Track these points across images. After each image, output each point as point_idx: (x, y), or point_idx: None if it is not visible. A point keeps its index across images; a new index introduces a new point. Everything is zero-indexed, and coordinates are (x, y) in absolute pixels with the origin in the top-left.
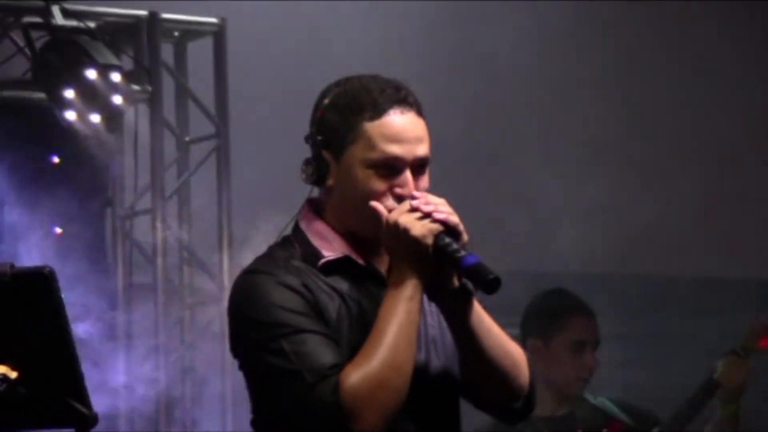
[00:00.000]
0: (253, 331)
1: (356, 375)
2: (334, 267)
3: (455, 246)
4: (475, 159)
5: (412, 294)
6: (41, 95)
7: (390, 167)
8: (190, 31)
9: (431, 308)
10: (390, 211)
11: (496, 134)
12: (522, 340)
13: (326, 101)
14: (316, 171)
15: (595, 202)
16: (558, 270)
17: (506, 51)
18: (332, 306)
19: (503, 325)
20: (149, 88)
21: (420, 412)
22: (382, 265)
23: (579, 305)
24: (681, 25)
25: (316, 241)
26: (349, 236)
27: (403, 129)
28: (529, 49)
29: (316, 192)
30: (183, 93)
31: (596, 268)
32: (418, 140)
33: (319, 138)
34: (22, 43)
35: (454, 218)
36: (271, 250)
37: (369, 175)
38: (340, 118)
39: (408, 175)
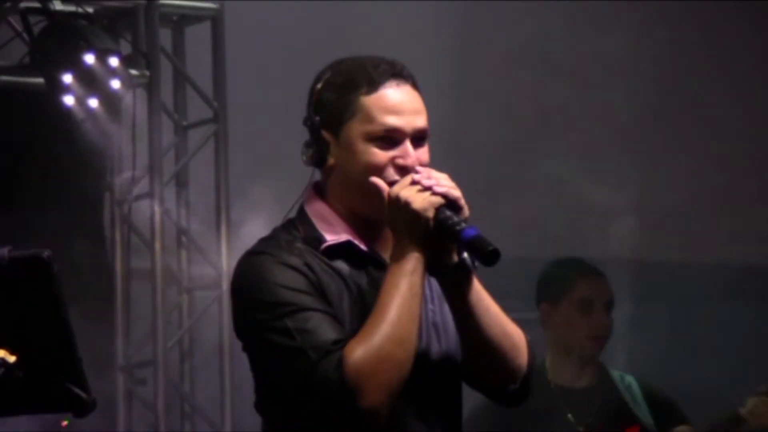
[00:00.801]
0: (256, 310)
1: (359, 350)
2: (336, 251)
3: (456, 219)
4: (499, 146)
5: (413, 268)
6: (39, 80)
7: (390, 139)
8: (188, 16)
9: (433, 293)
10: (392, 184)
11: (523, 121)
12: (537, 308)
13: (321, 83)
14: (317, 152)
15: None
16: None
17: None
18: (334, 287)
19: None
20: (147, 73)
21: (421, 397)
22: (384, 250)
23: (586, 266)
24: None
25: (319, 225)
26: (351, 219)
27: (400, 101)
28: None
29: (318, 175)
30: (181, 78)
31: (625, 254)
32: (415, 112)
33: (317, 118)
34: (20, 28)
35: (456, 192)
36: (275, 232)
37: (369, 149)
38: (337, 96)
39: (408, 145)
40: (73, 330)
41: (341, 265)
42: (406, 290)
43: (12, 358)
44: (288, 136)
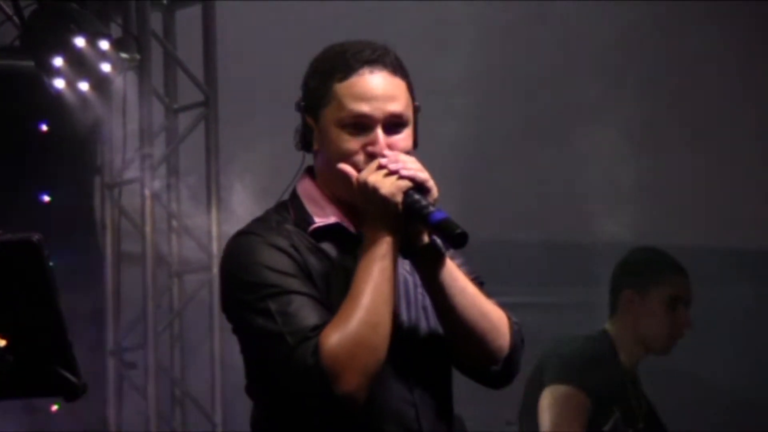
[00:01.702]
0: (240, 291)
1: (334, 336)
2: (324, 233)
3: (423, 202)
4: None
5: (385, 252)
6: (29, 63)
7: (360, 126)
8: None
9: (409, 270)
10: (361, 170)
11: (545, 107)
12: (616, 292)
13: (310, 68)
14: (303, 136)
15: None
16: (589, 241)
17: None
18: (320, 269)
19: (535, 293)
20: (138, 56)
21: (412, 379)
22: None
23: (676, 263)
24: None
25: (309, 207)
26: (341, 203)
27: (371, 87)
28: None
29: (310, 160)
30: (171, 61)
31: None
32: (389, 98)
33: (303, 104)
34: (10, 12)
35: (423, 174)
36: (267, 213)
37: (340, 135)
38: (317, 83)
39: (379, 132)
40: (64, 314)
41: (329, 247)
42: (377, 275)
43: (2, 342)
44: (279, 120)
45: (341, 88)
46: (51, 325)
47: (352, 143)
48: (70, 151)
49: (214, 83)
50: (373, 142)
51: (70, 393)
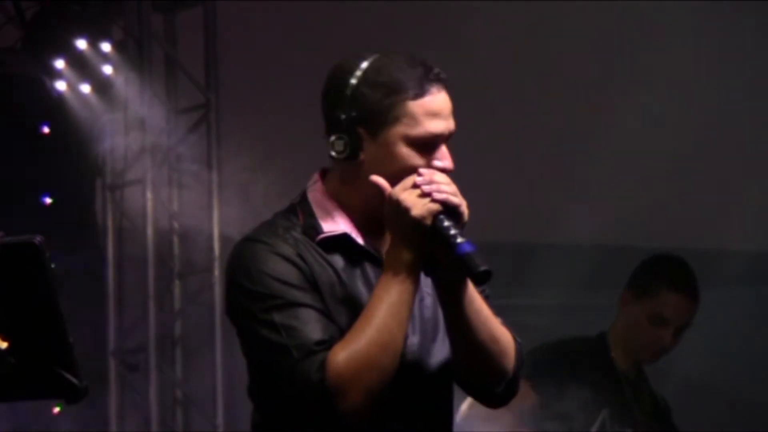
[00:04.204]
0: (246, 299)
1: (343, 354)
2: (332, 243)
3: (452, 231)
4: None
5: (407, 274)
6: (31, 65)
7: (431, 144)
8: (180, 1)
9: (430, 290)
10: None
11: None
12: (620, 297)
13: (356, 77)
14: (350, 146)
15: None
16: (566, 242)
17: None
18: (326, 280)
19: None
20: (139, 58)
21: (412, 392)
22: (383, 247)
23: (685, 283)
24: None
25: (319, 214)
26: (357, 213)
27: (443, 106)
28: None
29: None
30: (173, 63)
31: (608, 240)
32: (450, 116)
33: (354, 114)
34: (12, 13)
35: (456, 199)
36: (275, 217)
37: (410, 152)
38: (380, 96)
39: (444, 148)
40: (65, 316)
41: (336, 258)
42: (396, 296)
43: (3, 344)
44: (279, 122)
45: (415, 106)
46: (52, 327)
47: (420, 160)
48: (71, 153)
49: (215, 85)
50: (441, 158)
51: (72, 395)
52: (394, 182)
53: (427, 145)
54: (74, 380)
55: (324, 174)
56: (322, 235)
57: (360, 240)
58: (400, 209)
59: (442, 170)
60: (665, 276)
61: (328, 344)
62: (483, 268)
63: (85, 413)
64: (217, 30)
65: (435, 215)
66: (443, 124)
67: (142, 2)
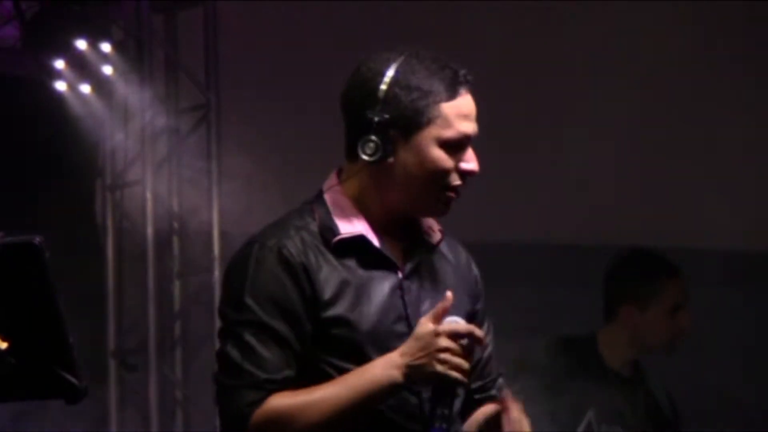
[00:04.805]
0: (229, 302)
1: (277, 407)
2: (346, 245)
3: (437, 412)
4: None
5: (381, 387)
6: (31, 65)
7: (461, 145)
8: (180, 1)
9: (430, 294)
10: (453, 188)
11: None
12: (612, 306)
13: (387, 78)
14: (382, 148)
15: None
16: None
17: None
18: (335, 280)
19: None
20: (139, 58)
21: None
22: (394, 249)
23: (667, 266)
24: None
25: (335, 214)
26: (374, 216)
27: (471, 108)
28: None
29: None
30: (173, 63)
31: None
32: (475, 117)
33: (387, 116)
34: (12, 13)
35: (454, 374)
36: (289, 215)
37: (441, 154)
38: (414, 98)
39: (471, 150)
40: (65, 316)
41: (349, 259)
42: (357, 398)
43: (3, 345)
44: (281, 123)
45: (449, 108)
46: (52, 327)
47: (450, 162)
48: (71, 154)
49: (215, 85)
50: (468, 160)
51: (72, 395)
52: (423, 184)
53: (457, 147)
54: (74, 380)
55: (339, 174)
56: (338, 237)
57: (376, 242)
58: (431, 354)
59: (470, 172)
60: (656, 270)
61: (276, 385)
62: None
63: (84, 413)
64: (217, 30)
65: (435, 385)
66: (472, 126)
67: (142, 2)
